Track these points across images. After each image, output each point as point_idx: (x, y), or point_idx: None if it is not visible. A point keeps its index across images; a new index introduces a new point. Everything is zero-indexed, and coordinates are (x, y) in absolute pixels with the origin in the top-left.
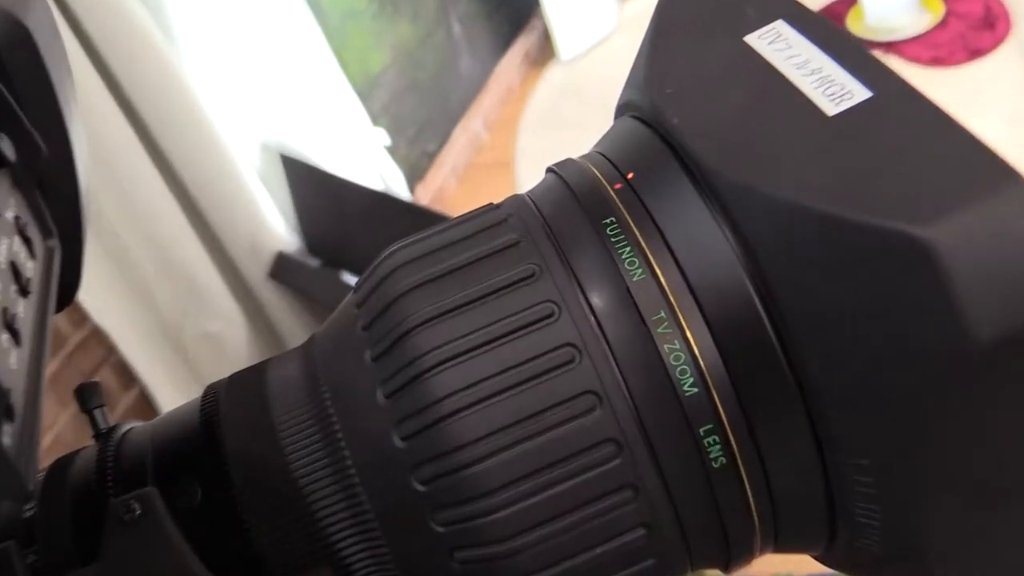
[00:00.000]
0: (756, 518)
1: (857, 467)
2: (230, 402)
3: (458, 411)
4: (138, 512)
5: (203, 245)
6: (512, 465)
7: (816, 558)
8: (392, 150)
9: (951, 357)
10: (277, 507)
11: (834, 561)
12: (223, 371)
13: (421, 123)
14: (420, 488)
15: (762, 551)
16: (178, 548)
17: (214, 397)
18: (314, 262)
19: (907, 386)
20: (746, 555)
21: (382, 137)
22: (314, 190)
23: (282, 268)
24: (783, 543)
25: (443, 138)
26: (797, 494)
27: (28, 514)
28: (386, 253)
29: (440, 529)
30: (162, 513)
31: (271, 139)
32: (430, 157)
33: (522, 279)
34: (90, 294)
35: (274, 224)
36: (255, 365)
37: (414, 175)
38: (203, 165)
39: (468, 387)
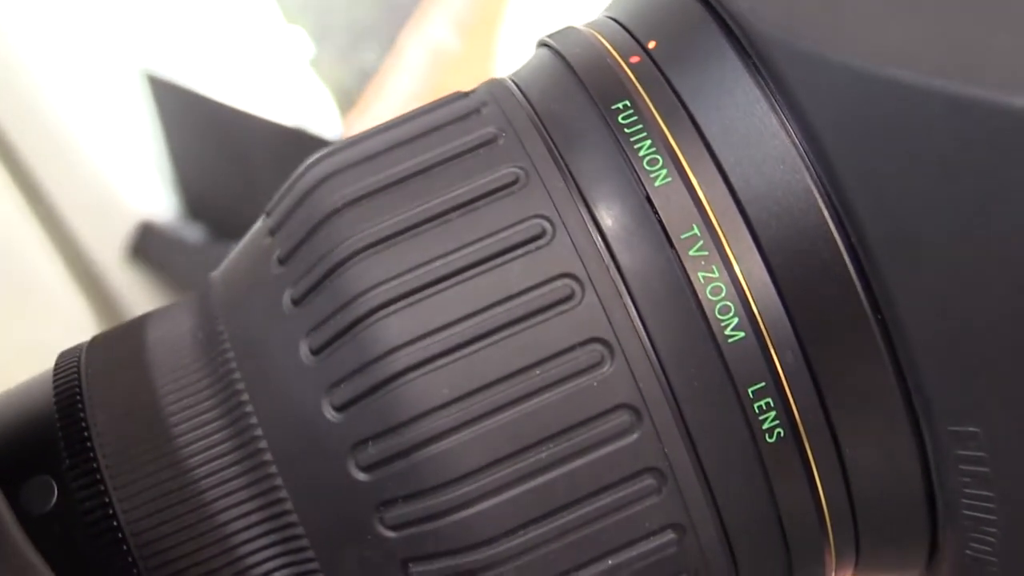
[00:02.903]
0: (828, 515)
1: (963, 437)
2: (95, 373)
3: (412, 368)
4: None
5: (25, 211)
6: (487, 443)
7: None
8: (316, 63)
9: None
10: (160, 508)
11: None
12: None
13: (358, 24)
14: (361, 477)
15: (838, 571)
16: (28, 563)
17: (72, 368)
18: (195, 233)
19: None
20: (815, 574)
21: (301, 43)
22: (197, 127)
23: (148, 244)
24: (867, 557)
25: (388, 47)
26: (883, 481)
27: None
28: (310, 161)
29: (389, 534)
30: (6, 519)
31: (132, 53)
32: (370, 74)
33: (501, 187)
34: None
35: (135, 180)
36: (128, 322)
37: (347, 101)
38: (16, 94)
39: (425, 336)
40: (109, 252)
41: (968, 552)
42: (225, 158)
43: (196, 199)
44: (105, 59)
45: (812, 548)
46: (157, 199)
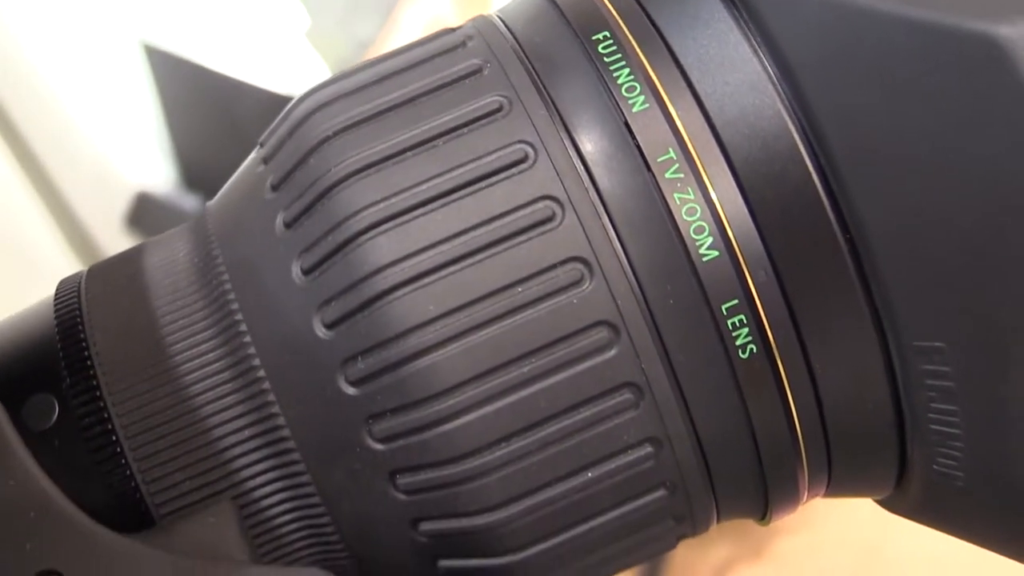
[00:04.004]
0: (801, 433)
1: (928, 352)
2: (95, 297)
3: (400, 286)
4: None
5: (24, 181)
6: (471, 357)
7: (885, 505)
8: (312, 35)
9: None
10: (158, 423)
11: (909, 506)
12: None
13: None
14: (350, 391)
15: (811, 493)
16: (30, 476)
17: (72, 293)
18: (192, 203)
19: (987, 233)
20: (790, 495)
21: (298, 15)
22: (194, 97)
23: (145, 214)
24: (839, 478)
25: (385, 18)
26: (853, 397)
27: None
28: (302, 94)
29: (378, 446)
30: (8, 433)
31: (129, 24)
32: (366, 46)
33: (485, 115)
34: None
35: (132, 151)
36: (126, 251)
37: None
38: (14, 66)
39: (412, 255)
40: (106, 222)
41: (935, 467)
42: (222, 128)
43: (193, 169)
44: (103, 30)
45: (785, 465)
46: (154, 169)
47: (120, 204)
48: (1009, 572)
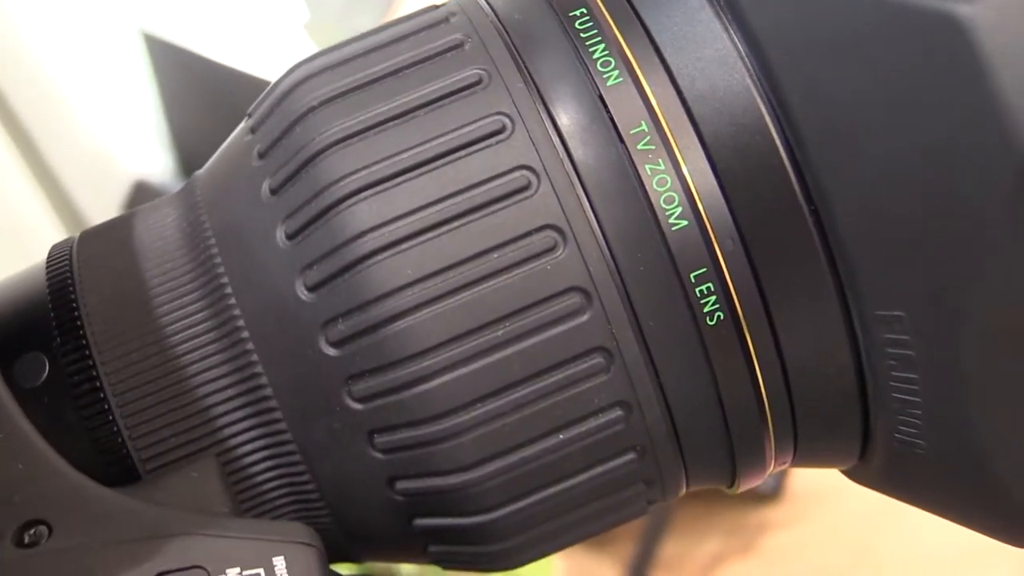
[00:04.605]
0: (766, 400)
1: (889, 321)
2: (86, 259)
3: (380, 251)
4: None
5: (22, 170)
6: (447, 320)
7: (851, 476)
8: (311, 27)
9: (994, 163)
10: (144, 381)
11: (873, 476)
12: None
13: None
14: (330, 352)
15: (778, 461)
16: (20, 430)
17: (64, 257)
18: None
19: (942, 204)
20: (757, 462)
21: (296, 7)
22: (193, 86)
23: (143, 201)
24: (805, 446)
25: (383, 11)
26: (817, 365)
27: None
28: (290, 67)
29: (356, 406)
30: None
31: (129, 13)
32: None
33: (466, 87)
34: None
35: (131, 140)
36: (116, 217)
37: None
38: (13, 53)
39: (392, 221)
40: (104, 210)
41: (897, 435)
42: (220, 118)
43: (191, 158)
44: (102, 18)
45: (752, 431)
46: (152, 158)
47: (118, 192)
48: (997, 572)
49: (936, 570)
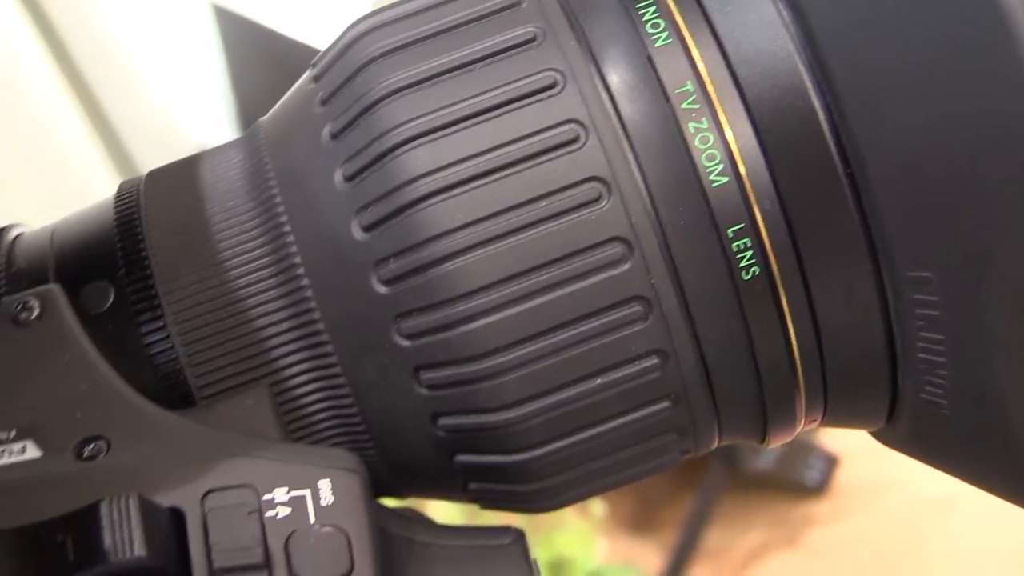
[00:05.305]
0: (798, 355)
1: (918, 282)
2: (153, 196)
3: (432, 195)
4: (36, 312)
5: (92, 136)
6: (494, 263)
7: (879, 438)
8: (379, 3)
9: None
10: (204, 311)
11: (900, 438)
12: None
13: None
14: (382, 290)
15: (808, 418)
16: (84, 351)
17: (132, 193)
18: None
19: (971, 166)
20: (787, 417)
21: None
22: (260, 58)
23: None
24: (835, 405)
25: None
26: (848, 324)
27: None
28: (354, 21)
29: (404, 343)
30: (66, 312)
31: None
32: None
33: (520, 44)
34: None
35: (196, 109)
36: (181, 159)
37: None
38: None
39: (446, 167)
40: None
41: (923, 396)
42: (285, 90)
43: None
44: None
45: (783, 388)
46: (216, 127)
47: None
48: None
49: (981, 571)
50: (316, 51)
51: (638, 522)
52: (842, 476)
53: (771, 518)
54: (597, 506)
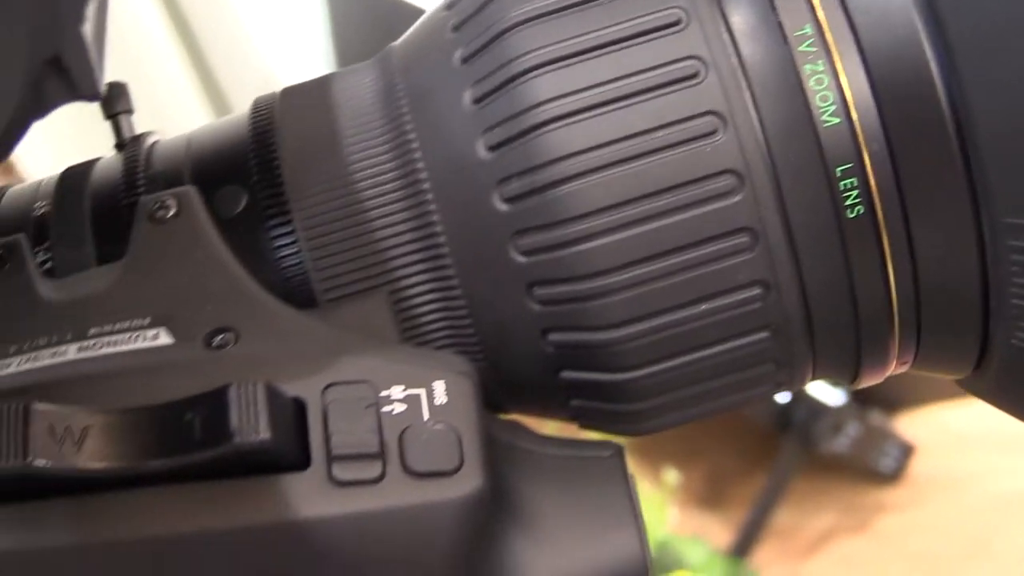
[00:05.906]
0: (895, 296)
1: (1016, 229)
2: (286, 110)
3: (555, 119)
4: (173, 211)
5: (201, 97)
6: (611, 188)
7: (965, 386)
8: None
9: None
10: (331, 219)
11: (987, 385)
12: None
13: None
14: (502, 208)
15: (899, 361)
16: (217, 250)
17: (267, 106)
18: None
19: None
20: (880, 358)
21: None
22: (366, 19)
23: None
24: (926, 349)
25: None
26: (946, 267)
27: (39, 212)
28: None
29: (520, 259)
30: (201, 212)
31: None
32: None
33: None
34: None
35: (301, 67)
36: (316, 78)
37: None
38: None
39: (570, 94)
40: None
41: (1014, 341)
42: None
43: None
44: None
45: (879, 327)
46: None
47: None
48: None
49: None
50: (420, 11)
51: (709, 496)
52: (917, 465)
53: (842, 502)
54: (671, 475)
